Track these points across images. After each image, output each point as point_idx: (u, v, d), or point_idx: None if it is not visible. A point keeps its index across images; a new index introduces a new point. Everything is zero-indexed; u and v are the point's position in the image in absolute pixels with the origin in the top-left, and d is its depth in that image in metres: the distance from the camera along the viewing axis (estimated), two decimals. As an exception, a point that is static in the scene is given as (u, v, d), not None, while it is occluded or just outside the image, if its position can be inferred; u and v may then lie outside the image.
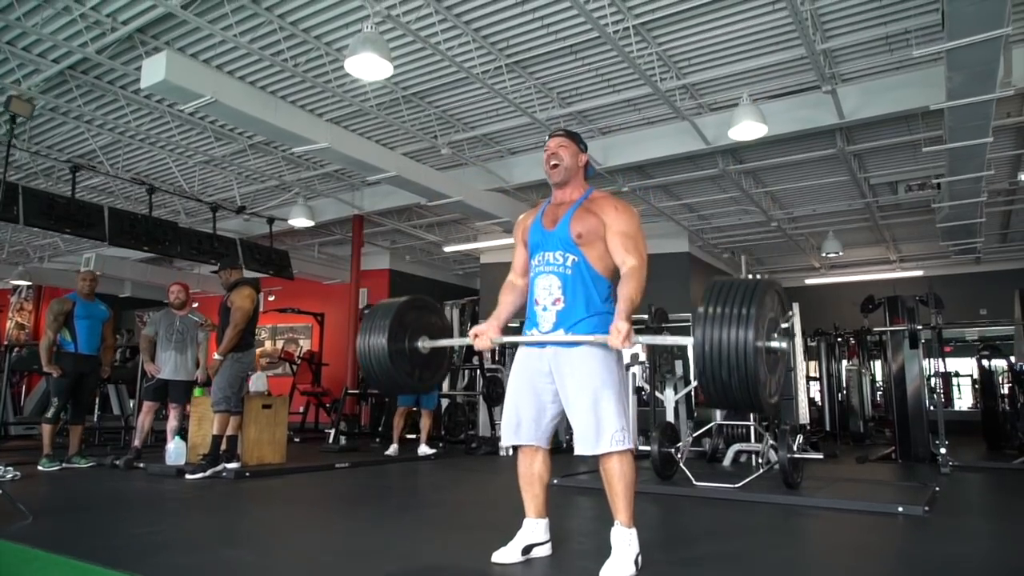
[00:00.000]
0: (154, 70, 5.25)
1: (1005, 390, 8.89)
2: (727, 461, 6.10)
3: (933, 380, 6.67)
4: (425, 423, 6.94)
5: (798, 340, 7.92)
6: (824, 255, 11.75)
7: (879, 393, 11.10)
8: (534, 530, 2.56)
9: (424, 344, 2.82)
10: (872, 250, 13.38)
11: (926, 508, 3.59)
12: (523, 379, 2.55)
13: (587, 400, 2.38)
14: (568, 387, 2.44)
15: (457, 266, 15.32)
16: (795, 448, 4.32)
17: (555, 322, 2.47)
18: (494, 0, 5.60)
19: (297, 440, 6.12)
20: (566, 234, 2.49)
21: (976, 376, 10.84)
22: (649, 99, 7.33)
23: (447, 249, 12.64)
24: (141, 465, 5.57)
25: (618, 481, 2.39)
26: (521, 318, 2.69)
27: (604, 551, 2.39)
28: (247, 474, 5.09)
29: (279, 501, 4.37)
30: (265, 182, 9.77)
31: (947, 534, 3.27)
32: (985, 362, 8.72)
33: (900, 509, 3.62)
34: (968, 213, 8.80)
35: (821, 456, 4.38)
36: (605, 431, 2.37)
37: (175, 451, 5.57)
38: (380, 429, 8.90)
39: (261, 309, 5.86)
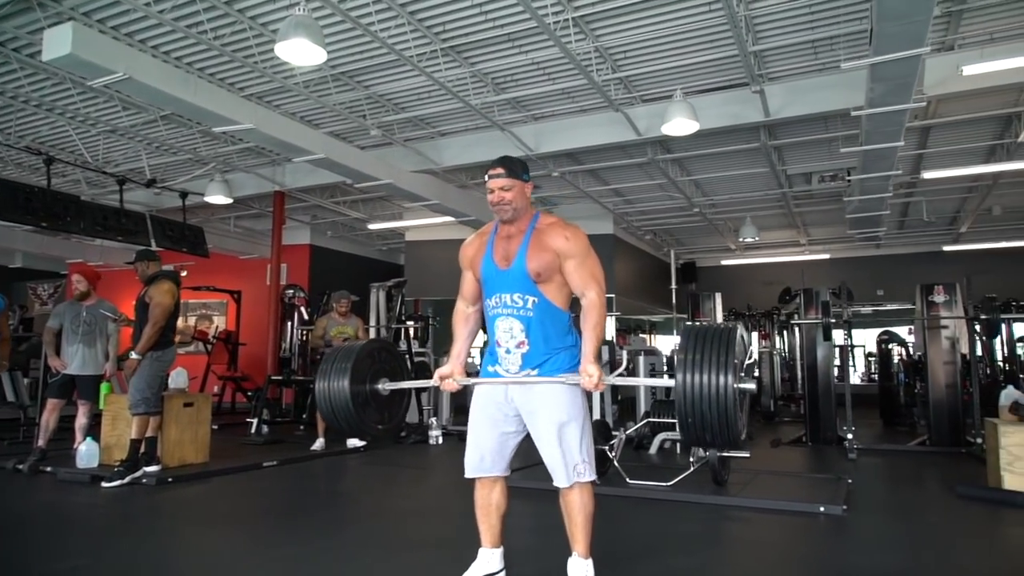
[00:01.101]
0: (58, 42, 4.77)
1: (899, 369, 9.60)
2: (653, 449, 6.32)
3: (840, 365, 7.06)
4: (354, 414, 6.81)
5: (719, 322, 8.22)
6: (741, 239, 12.21)
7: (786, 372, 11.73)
8: (489, 560, 2.56)
9: (384, 386, 2.74)
10: (783, 233, 14.01)
11: (844, 507, 3.84)
12: (485, 412, 2.52)
13: (554, 434, 2.39)
14: (534, 421, 2.44)
15: (380, 242, 15.01)
16: (724, 447, 4.50)
17: (521, 364, 2.44)
18: (432, -16, 5.41)
19: (215, 427, 5.85)
20: (523, 274, 2.41)
21: (872, 351, 11.59)
22: (584, 89, 7.32)
23: (372, 227, 12.34)
24: (48, 469, 5.21)
25: (578, 513, 2.42)
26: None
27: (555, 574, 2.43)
28: (169, 479, 4.86)
29: (208, 515, 4.19)
30: (177, 155, 9.19)
31: (868, 538, 3.49)
32: (883, 345, 9.34)
33: (822, 509, 3.85)
34: (875, 206, 9.33)
35: (747, 455, 4.58)
36: (567, 464, 2.39)
37: (87, 453, 5.24)
38: (305, 416, 8.67)
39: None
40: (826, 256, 14.53)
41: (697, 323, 2.37)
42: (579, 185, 10.07)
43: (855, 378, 14.07)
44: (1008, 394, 4.49)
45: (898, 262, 14.22)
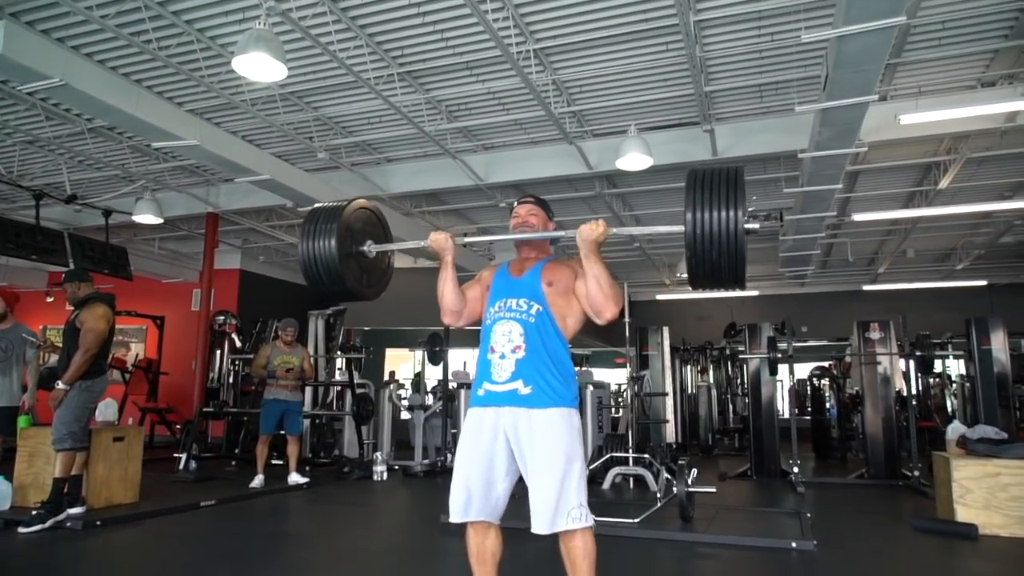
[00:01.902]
0: (-13, 43, 4.40)
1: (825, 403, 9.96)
2: (607, 484, 6.25)
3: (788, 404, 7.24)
4: (293, 450, 6.43)
5: (667, 359, 8.32)
6: (677, 275, 12.49)
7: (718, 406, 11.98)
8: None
9: (370, 248, 2.68)
10: (715, 270, 14.43)
11: (815, 543, 3.85)
12: (474, 446, 2.36)
13: (553, 474, 2.23)
14: (530, 457, 2.27)
15: (314, 268, 14.54)
16: (691, 481, 4.47)
17: (514, 371, 2.32)
18: (395, 8, 5.32)
19: None
20: (535, 281, 2.41)
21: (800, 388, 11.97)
22: (537, 121, 7.35)
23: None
24: (-49, 512, 4.65)
25: (583, 559, 2.27)
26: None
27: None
28: (97, 522, 4.40)
29: (144, 564, 3.81)
30: (103, 170, 8.64)
31: (845, 575, 3.51)
32: (816, 380, 9.67)
33: (794, 545, 3.86)
34: (807, 245, 9.74)
35: (714, 490, 4.57)
36: (564, 507, 2.23)
37: (-2, 493, 4.72)
38: (237, 451, 8.16)
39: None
40: (756, 293, 15.05)
41: (705, 168, 2.31)
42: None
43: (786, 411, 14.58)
44: (955, 428, 4.68)
45: (822, 300, 14.89)
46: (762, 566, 3.67)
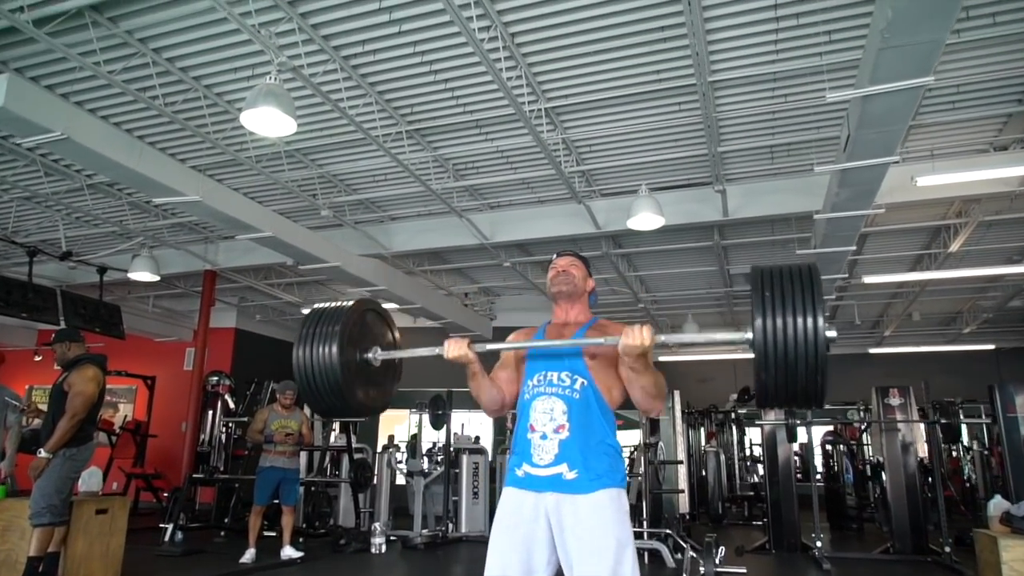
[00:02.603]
0: (-11, 95, 4.28)
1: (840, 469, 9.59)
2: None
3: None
4: (287, 521, 6.04)
5: (679, 423, 8.02)
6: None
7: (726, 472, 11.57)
8: None
9: (376, 355, 2.32)
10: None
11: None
12: (512, 532, 2.09)
13: (604, 564, 1.97)
14: (576, 546, 2.01)
15: (311, 327, 14.27)
16: (718, 560, 4.16)
17: (557, 454, 2.08)
18: (406, 66, 5.27)
19: None
20: (577, 353, 2.18)
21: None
22: (544, 180, 7.27)
23: (307, 312, 11.68)
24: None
25: None
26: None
27: None
28: (73, 607, 4.04)
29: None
30: (100, 226, 8.47)
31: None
32: (829, 446, 9.35)
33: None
34: (816, 308, 9.55)
35: (745, 571, 4.25)
36: None
37: (-34, 572, 4.34)
38: (227, 520, 7.72)
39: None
40: (759, 355, 14.79)
41: (775, 267, 2.02)
42: (528, 276, 9.91)
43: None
44: (997, 504, 4.39)
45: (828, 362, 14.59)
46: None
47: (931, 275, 8.87)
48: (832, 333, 1.83)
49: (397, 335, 2.56)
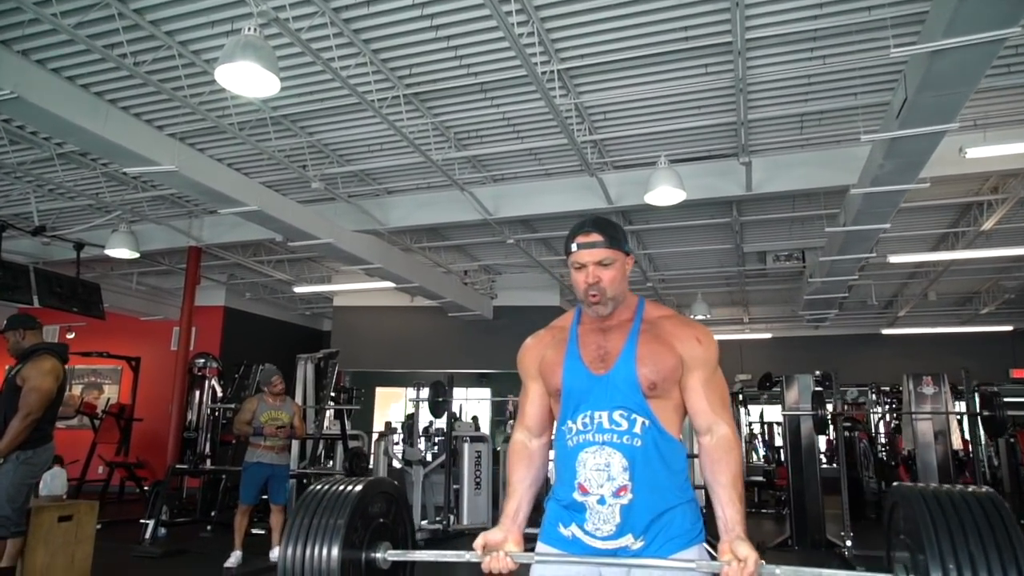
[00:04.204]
0: (-76, 47, 3.70)
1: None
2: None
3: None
4: (277, 521, 5.55)
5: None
6: (692, 317, 11.79)
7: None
8: None
9: (386, 556, 1.75)
10: (726, 311, 13.79)
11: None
12: None
13: None
14: None
15: (304, 306, 13.79)
16: None
17: (619, 524, 1.58)
18: (405, 20, 4.70)
19: (98, 526, 4.46)
20: (631, 383, 1.62)
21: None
22: (553, 151, 6.73)
23: (298, 290, 11.18)
24: None
25: None
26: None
27: None
28: (29, 632, 3.58)
29: None
30: (75, 199, 7.89)
31: None
32: (848, 433, 8.95)
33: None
34: (836, 288, 9.10)
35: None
36: None
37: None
38: (214, 513, 7.26)
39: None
40: (767, 336, 14.40)
41: (936, 488, 1.43)
42: (531, 254, 9.39)
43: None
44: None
45: (837, 343, 14.22)
46: None
47: (963, 254, 8.37)
48: None
49: (412, 528, 1.99)
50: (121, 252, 7.70)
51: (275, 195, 6.86)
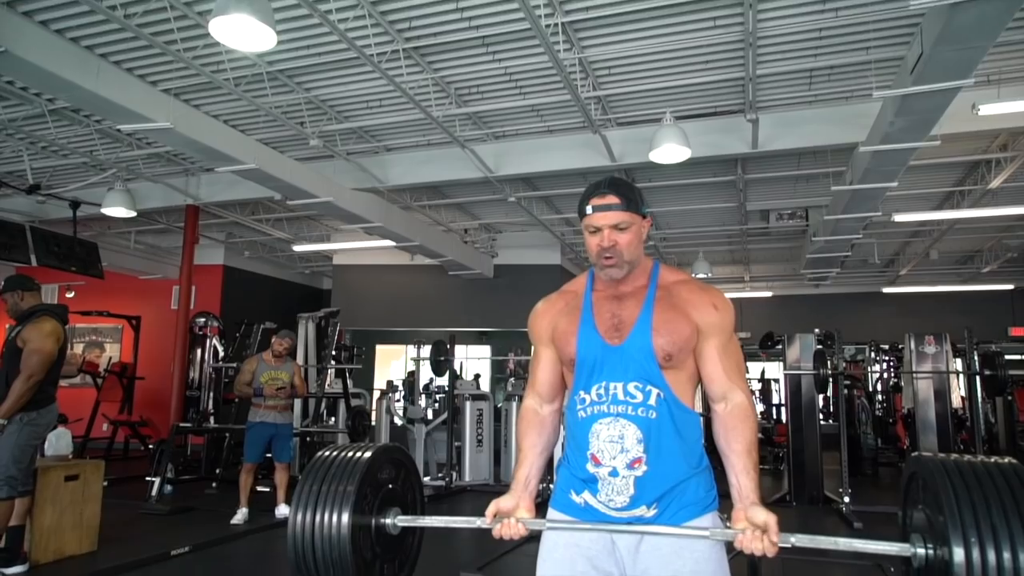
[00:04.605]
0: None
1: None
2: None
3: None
4: (282, 478, 5.62)
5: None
6: (692, 275, 11.75)
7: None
8: None
9: (396, 521, 1.74)
10: (727, 269, 13.76)
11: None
12: (569, 573, 1.60)
13: None
14: None
15: (303, 264, 13.73)
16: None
17: (634, 495, 1.56)
18: (404, -30, 4.53)
19: (105, 484, 4.51)
20: (647, 353, 1.57)
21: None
22: (556, 107, 6.59)
23: (297, 248, 11.11)
24: None
25: None
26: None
27: None
28: (40, 588, 3.62)
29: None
30: (68, 157, 7.76)
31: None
32: (847, 390, 9.00)
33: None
34: (839, 247, 9.04)
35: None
36: None
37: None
38: (218, 470, 7.34)
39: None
40: (768, 294, 14.39)
41: (958, 459, 1.41)
42: (533, 212, 9.30)
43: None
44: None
45: (838, 302, 14.23)
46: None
47: (970, 213, 8.28)
48: None
49: (422, 494, 1.94)
50: (118, 211, 7.61)
51: (273, 153, 6.74)
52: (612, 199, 1.60)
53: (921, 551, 1.40)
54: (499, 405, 8.68)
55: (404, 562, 1.82)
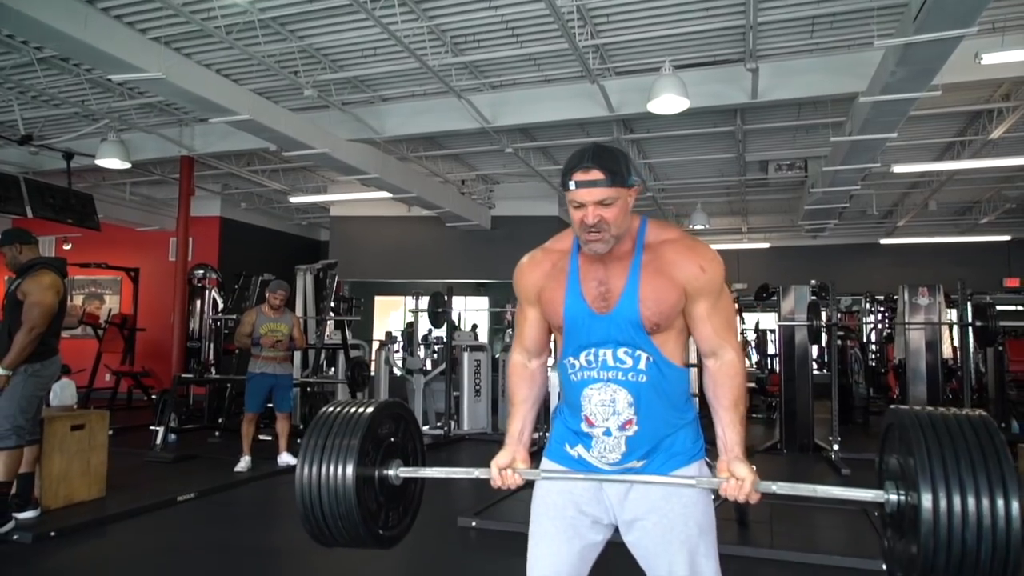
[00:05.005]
0: None
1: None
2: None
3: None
4: (283, 427, 5.75)
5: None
6: (690, 226, 11.75)
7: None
8: None
9: (398, 472, 1.80)
10: (725, 220, 13.73)
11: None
12: (562, 518, 1.68)
13: (682, 558, 1.60)
14: (647, 537, 1.63)
15: (300, 216, 13.69)
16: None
17: (625, 452, 1.62)
18: (397, -88, 4.40)
19: (110, 433, 4.63)
20: (634, 322, 1.58)
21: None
22: (553, 56, 6.48)
23: (294, 200, 11.06)
24: None
25: None
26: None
27: None
28: (52, 533, 3.72)
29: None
30: (60, 107, 7.66)
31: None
32: (839, 342, 9.11)
33: (884, 567, 3.28)
34: (837, 198, 9.02)
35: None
36: None
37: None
38: (221, 420, 7.49)
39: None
40: (765, 245, 14.41)
41: (932, 412, 1.46)
42: (530, 163, 9.24)
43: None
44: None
45: (835, 253, 14.26)
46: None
47: (970, 164, 8.24)
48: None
49: (423, 446, 1.99)
50: (111, 162, 7.55)
51: (267, 103, 6.66)
52: (596, 174, 1.52)
53: (894, 497, 1.46)
54: (496, 355, 8.80)
55: (408, 509, 1.89)
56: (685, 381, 1.69)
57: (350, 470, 1.65)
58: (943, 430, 1.38)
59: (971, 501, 1.29)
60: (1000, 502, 1.28)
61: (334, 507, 1.66)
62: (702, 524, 1.62)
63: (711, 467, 1.68)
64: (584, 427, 1.64)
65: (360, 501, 1.66)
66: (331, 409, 1.80)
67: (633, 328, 1.58)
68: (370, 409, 1.76)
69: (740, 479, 1.51)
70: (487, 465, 1.72)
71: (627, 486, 1.63)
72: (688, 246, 1.65)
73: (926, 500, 1.32)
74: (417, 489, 1.93)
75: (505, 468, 1.68)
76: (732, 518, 3.93)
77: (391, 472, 1.78)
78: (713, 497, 1.66)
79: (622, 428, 1.60)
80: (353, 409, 1.77)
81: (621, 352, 1.59)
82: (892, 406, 1.56)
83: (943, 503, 1.30)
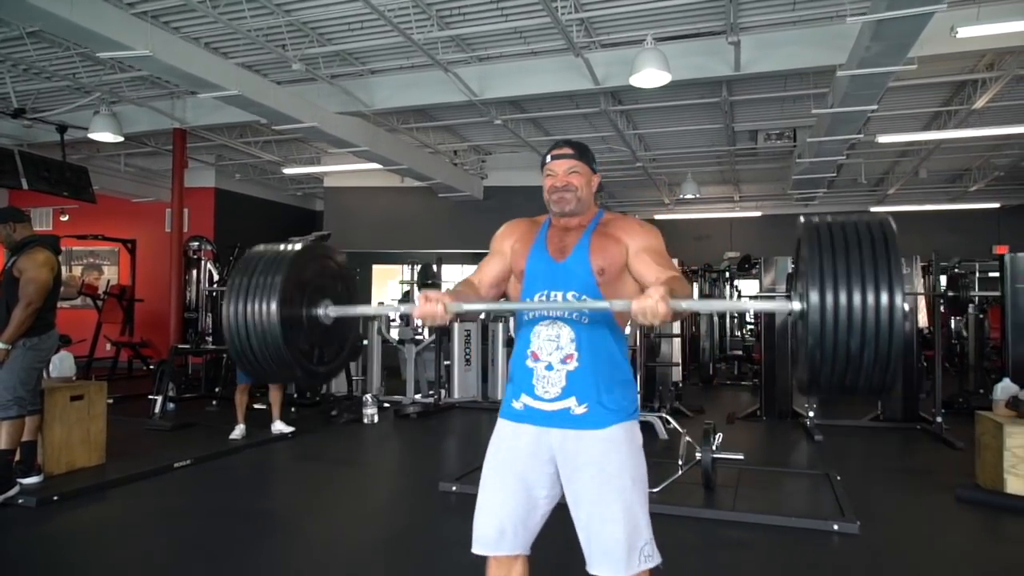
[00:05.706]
0: None
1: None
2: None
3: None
4: (276, 396, 5.95)
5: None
6: (682, 195, 11.84)
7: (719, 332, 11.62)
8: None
9: (328, 311, 1.91)
10: (717, 189, 13.80)
11: (858, 524, 3.48)
12: (508, 468, 1.88)
13: (621, 504, 1.78)
14: (588, 485, 1.81)
15: (295, 187, 13.76)
16: (715, 447, 4.07)
17: (565, 387, 1.84)
18: None
19: (109, 402, 4.83)
20: (584, 269, 1.87)
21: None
22: (539, 29, 6.53)
23: (287, 171, 11.14)
24: None
25: None
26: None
27: None
28: (55, 497, 3.93)
29: (108, 555, 3.37)
30: (52, 80, 7.72)
31: (901, 570, 3.15)
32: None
33: (836, 527, 3.48)
34: (825, 168, 9.11)
35: (742, 457, 4.18)
36: (637, 543, 1.79)
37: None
38: (218, 389, 7.70)
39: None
40: (757, 214, 14.50)
41: (826, 215, 1.58)
42: (520, 134, 9.30)
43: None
44: (1005, 387, 4.25)
45: (824, 220, 14.31)
46: (808, 552, 3.31)
47: (954, 134, 8.32)
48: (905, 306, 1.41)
49: (352, 285, 2.13)
50: (104, 135, 7.64)
51: (256, 78, 6.73)
52: (567, 150, 1.95)
53: (797, 306, 1.57)
54: (487, 325, 8.97)
55: (343, 345, 2.07)
56: (624, 343, 1.93)
57: (274, 307, 1.74)
58: (839, 237, 1.47)
59: (856, 299, 1.38)
60: (884, 302, 1.37)
61: (263, 346, 1.77)
62: (635, 476, 1.81)
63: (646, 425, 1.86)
64: (529, 363, 1.87)
65: (288, 340, 1.76)
66: (258, 250, 1.91)
67: (583, 273, 1.86)
68: (295, 248, 1.87)
69: (651, 296, 1.60)
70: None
71: (566, 440, 1.82)
72: (632, 220, 1.99)
73: (815, 312, 1.41)
74: (350, 327, 2.08)
75: (434, 300, 1.78)
76: (699, 482, 4.13)
77: (320, 311, 1.90)
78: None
79: (563, 361, 1.84)
80: (278, 249, 1.87)
81: (571, 295, 1.86)
82: (800, 217, 1.64)
83: (829, 305, 1.39)
